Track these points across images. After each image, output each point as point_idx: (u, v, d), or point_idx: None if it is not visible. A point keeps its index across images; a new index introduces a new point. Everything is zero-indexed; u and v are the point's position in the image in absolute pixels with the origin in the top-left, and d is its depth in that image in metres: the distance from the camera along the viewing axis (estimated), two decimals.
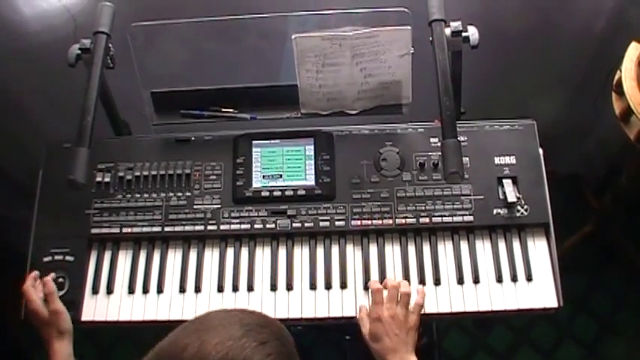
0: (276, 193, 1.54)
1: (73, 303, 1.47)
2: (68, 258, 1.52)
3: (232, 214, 1.53)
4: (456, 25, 1.47)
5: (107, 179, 1.58)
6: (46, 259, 1.52)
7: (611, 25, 1.91)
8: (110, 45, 1.51)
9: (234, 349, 0.89)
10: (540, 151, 1.56)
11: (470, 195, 1.53)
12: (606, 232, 2.30)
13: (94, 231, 1.54)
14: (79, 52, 1.52)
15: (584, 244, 2.28)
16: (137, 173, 1.58)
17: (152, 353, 0.92)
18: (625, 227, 2.37)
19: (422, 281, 1.48)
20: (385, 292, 1.39)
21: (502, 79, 2.05)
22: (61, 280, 1.50)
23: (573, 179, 2.36)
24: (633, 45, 1.71)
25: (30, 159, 1.68)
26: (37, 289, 1.45)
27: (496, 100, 1.89)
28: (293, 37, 1.47)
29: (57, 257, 1.52)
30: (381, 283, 1.43)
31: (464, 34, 1.48)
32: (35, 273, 1.48)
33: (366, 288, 1.48)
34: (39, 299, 1.42)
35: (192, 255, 1.54)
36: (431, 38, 1.45)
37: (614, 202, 2.17)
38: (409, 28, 1.47)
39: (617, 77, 1.73)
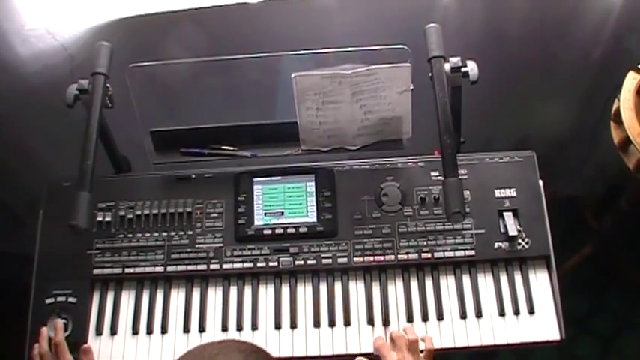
0: (278, 231, 1.54)
1: (77, 345, 1.46)
2: (71, 299, 1.52)
3: (235, 253, 1.53)
4: (455, 60, 1.47)
5: (108, 219, 1.57)
6: (48, 301, 1.51)
7: (608, 54, 1.92)
8: (108, 85, 1.51)
9: None
10: (540, 182, 1.57)
11: (471, 229, 1.53)
12: (606, 253, 2.30)
13: (96, 271, 1.54)
14: (77, 92, 1.51)
15: (585, 266, 2.28)
16: (138, 212, 1.57)
17: None
18: (625, 249, 2.37)
19: (425, 317, 1.49)
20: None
21: (502, 107, 2.05)
22: (64, 321, 1.49)
23: (573, 201, 2.36)
24: (630, 74, 1.72)
25: (29, 194, 1.68)
26: (46, 333, 1.45)
27: (496, 128, 1.89)
28: (293, 75, 1.47)
29: (59, 298, 1.52)
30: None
31: (463, 69, 1.48)
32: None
33: (369, 323, 1.48)
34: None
35: (196, 294, 1.53)
36: (430, 74, 1.45)
37: (614, 224, 2.17)
38: (409, 65, 1.48)
39: (615, 107, 1.74)
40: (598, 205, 2.35)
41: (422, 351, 1.39)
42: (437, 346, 1.46)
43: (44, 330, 1.46)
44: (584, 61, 1.95)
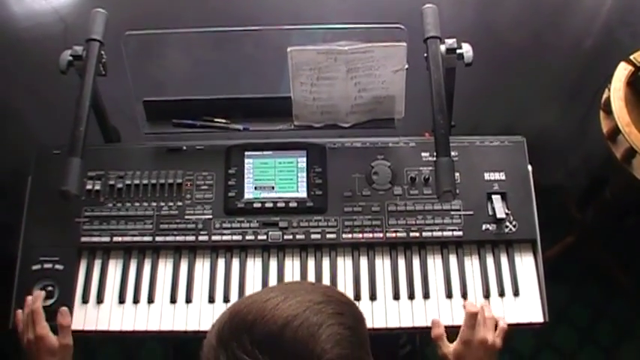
0: (268, 205, 1.54)
1: None
2: (57, 266, 1.51)
3: (224, 225, 1.53)
4: (450, 42, 1.48)
5: (97, 187, 1.57)
6: (34, 267, 1.50)
7: (600, 44, 1.94)
8: (102, 52, 1.50)
9: (311, 310, 0.91)
10: (529, 168, 1.58)
11: (460, 210, 1.55)
12: (588, 244, 2.33)
13: (83, 239, 1.53)
14: (71, 58, 1.50)
15: (566, 256, 2.31)
16: (128, 182, 1.57)
17: (233, 307, 0.95)
18: (606, 240, 2.40)
19: (411, 295, 1.50)
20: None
21: (492, 94, 2.07)
22: (50, 288, 1.48)
23: (557, 191, 2.39)
24: (622, 65, 1.74)
25: (16, 160, 1.66)
26: (31, 302, 1.43)
27: (485, 114, 1.91)
28: (288, 50, 1.47)
29: (46, 265, 1.50)
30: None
31: (458, 51, 1.49)
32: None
33: (356, 299, 1.49)
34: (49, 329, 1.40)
35: (184, 265, 1.53)
36: (426, 55, 1.46)
37: (597, 215, 2.20)
38: (404, 44, 1.48)
39: (605, 96, 1.75)
40: (582, 196, 2.38)
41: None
42: (422, 324, 1.48)
43: (29, 298, 1.45)
44: (575, 51, 1.97)
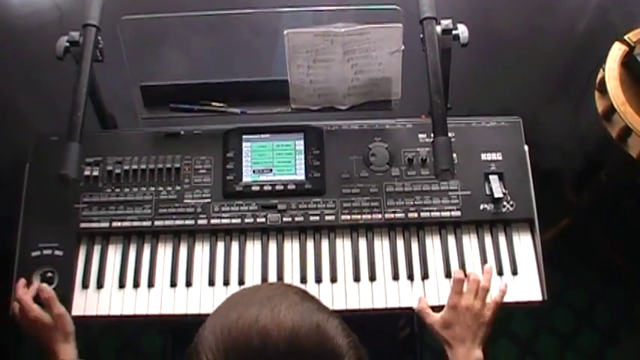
0: (267, 188, 1.55)
1: (63, 298, 1.45)
2: (57, 253, 1.50)
3: (223, 209, 1.54)
4: (446, 23, 1.49)
5: (96, 173, 1.57)
6: (34, 254, 1.50)
7: (594, 25, 1.94)
8: (99, 38, 1.50)
9: (305, 312, 0.89)
10: (526, 148, 1.59)
11: (457, 190, 1.55)
12: (583, 227, 2.35)
13: (82, 225, 1.53)
14: (68, 44, 1.50)
15: (562, 239, 2.33)
16: (126, 167, 1.57)
17: (220, 335, 0.88)
18: (602, 223, 2.42)
19: (410, 275, 1.50)
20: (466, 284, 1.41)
21: (487, 76, 2.08)
22: (49, 274, 1.48)
23: (553, 174, 2.40)
24: (616, 45, 1.75)
25: (13, 151, 1.65)
26: (28, 295, 1.43)
27: (481, 97, 1.92)
28: (285, 32, 1.48)
29: (45, 252, 1.50)
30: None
31: (454, 32, 1.50)
32: (22, 281, 1.46)
33: (355, 280, 1.49)
34: (37, 306, 1.40)
35: (183, 249, 1.54)
36: (422, 35, 1.46)
37: (592, 198, 2.22)
38: (400, 25, 1.49)
39: (600, 76, 1.76)
40: (577, 179, 2.39)
41: None
42: None
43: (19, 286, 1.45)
44: (569, 32, 1.98)
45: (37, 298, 1.42)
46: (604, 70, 1.73)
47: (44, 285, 1.44)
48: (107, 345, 2.36)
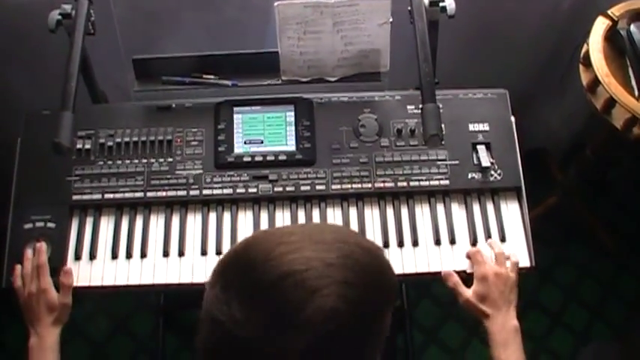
0: (258, 158, 1.56)
1: (55, 269, 1.45)
2: (49, 225, 1.51)
3: (214, 179, 1.55)
4: None
5: (88, 146, 1.57)
6: (26, 226, 1.51)
7: (579, 0, 1.97)
8: (91, 11, 1.51)
9: (314, 271, 0.86)
10: (512, 118, 1.62)
11: (445, 160, 1.58)
12: (570, 204, 2.37)
13: (75, 197, 1.54)
14: (60, 17, 1.52)
15: (549, 217, 2.35)
16: (118, 140, 1.58)
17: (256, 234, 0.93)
18: (589, 201, 2.45)
19: (400, 243, 1.52)
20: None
21: (473, 52, 2.10)
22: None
23: (538, 152, 2.44)
24: (600, 19, 1.78)
25: (4, 123, 1.65)
26: (31, 255, 1.45)
27: (466, 72, 1.93)
28: (275, 4, 1.49)
29: (38, 224, 1.51)
30: None
31: (441, 4, 1.53)
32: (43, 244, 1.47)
33: None
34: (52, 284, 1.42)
35: (175, 220, 1.55)
36: (410, 7, 1.49)
37: (579, 175, 2.24)
38: None
39: (584, 50, 1.79)
40: (563, 156, 2.42)
41: None
42: (412, 270, 1.50)
43: (28, 252, 1.46)
44: (554, 7, 2.00)
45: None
46: (588, 45, 1.76)
47: (70, 269, 1.45)
48: (98, 326, 2.36)
